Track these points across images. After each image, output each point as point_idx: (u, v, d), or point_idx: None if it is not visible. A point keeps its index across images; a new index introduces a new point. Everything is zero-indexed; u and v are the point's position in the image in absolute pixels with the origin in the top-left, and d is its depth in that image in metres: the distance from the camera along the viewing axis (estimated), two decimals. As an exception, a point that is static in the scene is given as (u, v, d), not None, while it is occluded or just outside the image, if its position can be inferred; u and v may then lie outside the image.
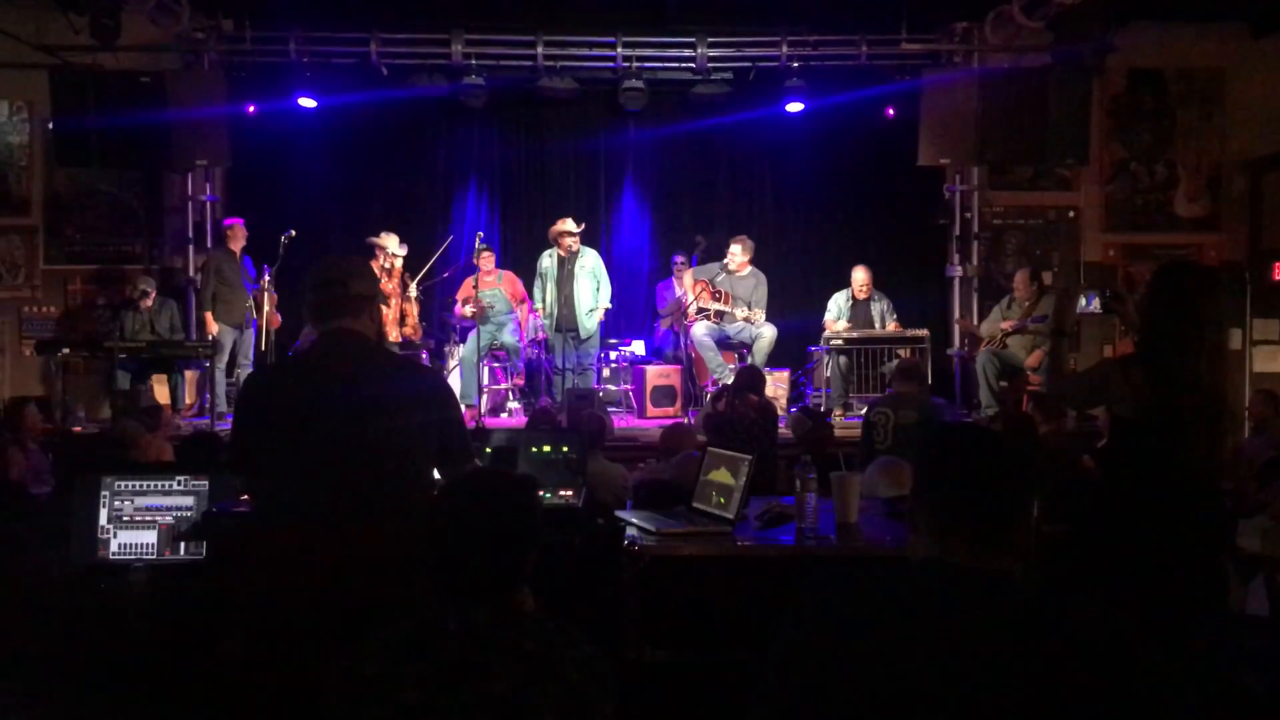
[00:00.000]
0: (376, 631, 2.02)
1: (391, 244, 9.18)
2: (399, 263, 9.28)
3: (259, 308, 9.02)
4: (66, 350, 8.65)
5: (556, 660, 1.95)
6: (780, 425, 8.02)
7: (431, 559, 2.10)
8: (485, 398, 8.81)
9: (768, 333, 8.99)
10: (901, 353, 8.96)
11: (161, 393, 9.10)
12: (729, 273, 9.21)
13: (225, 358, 9.14)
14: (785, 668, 1.70)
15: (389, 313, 9.04)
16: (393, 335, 9.00)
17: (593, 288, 9.33)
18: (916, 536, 1.78)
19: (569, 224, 9.36)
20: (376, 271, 9.00)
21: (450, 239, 10.01)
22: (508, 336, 9.32)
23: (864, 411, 6.87)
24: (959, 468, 1.76)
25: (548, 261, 9.43)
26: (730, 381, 8.67)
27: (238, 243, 9.34)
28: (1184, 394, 3.39)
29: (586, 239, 9.60)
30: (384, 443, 2.78)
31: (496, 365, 9.45)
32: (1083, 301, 3.91)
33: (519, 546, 2.13)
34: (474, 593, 2.04)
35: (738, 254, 9.20)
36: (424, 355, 9.42)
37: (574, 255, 9.32)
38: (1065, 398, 4.02)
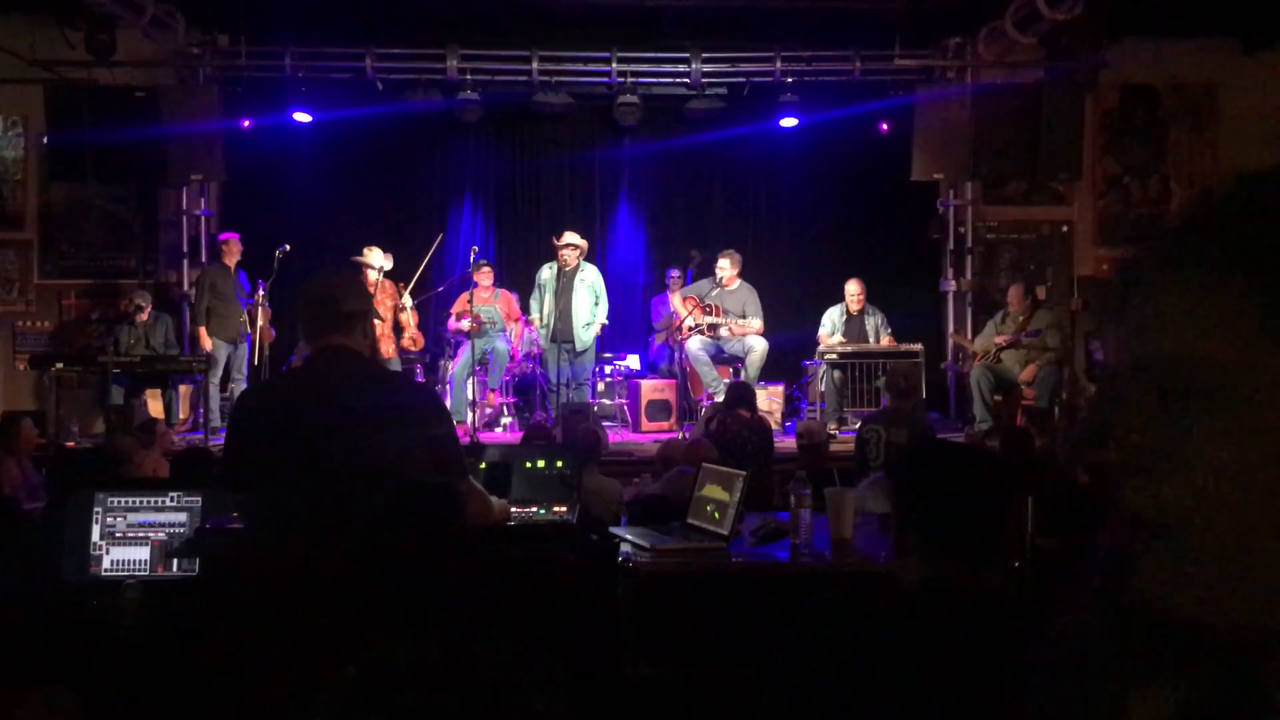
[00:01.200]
0: (323, 678, 1.89)
1: (375, 257, 9.11)
2: (373, 274, 9.10)
3: (253, 322, 9.01)
4: (60, 365, 8.63)
5: (517, 687, 1.86)
6: (784, 436, 8.02)
7: (368, 594, 1.99)
8: (478, 413, 8.79)
9: (759, 346, 8.99)
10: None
11: (155, 407, 9.08)
12: (720, 287, 9.23)
13: (219, 372, 9.12)
14: (787, 693, 1.69)
15: (382, 326, 9.00)
16: (388, 349, 8.96)
17: (590, 302, 9.31)
18: (905, 558, 1.77)
19: (567, 237, 9.36)
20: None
21: (440, 238, 9.94)
22: (499, 343, 9.29)
23: (857, 427, 6.87)
24: (944, 488, 1.76)
25: (547, 273, 9.42)
26: (724, 397, 8.69)
27: (232, 257, 9.33)
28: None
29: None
30: (377, 458, 2.79)
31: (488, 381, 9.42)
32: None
33: (451, 566, 1.99)
34: (416, 627, 1.91)
35: (726, 268, 9.22)
36: (418, 369, 9.41)
37: (574, 268, 9.32)
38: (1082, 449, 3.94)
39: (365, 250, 9.14)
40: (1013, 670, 1.56)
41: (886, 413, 6.45)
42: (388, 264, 9.19)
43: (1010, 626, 1.64)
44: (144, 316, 9.20)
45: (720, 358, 9.19)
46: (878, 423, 6.23)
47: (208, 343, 9.05)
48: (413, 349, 9.35)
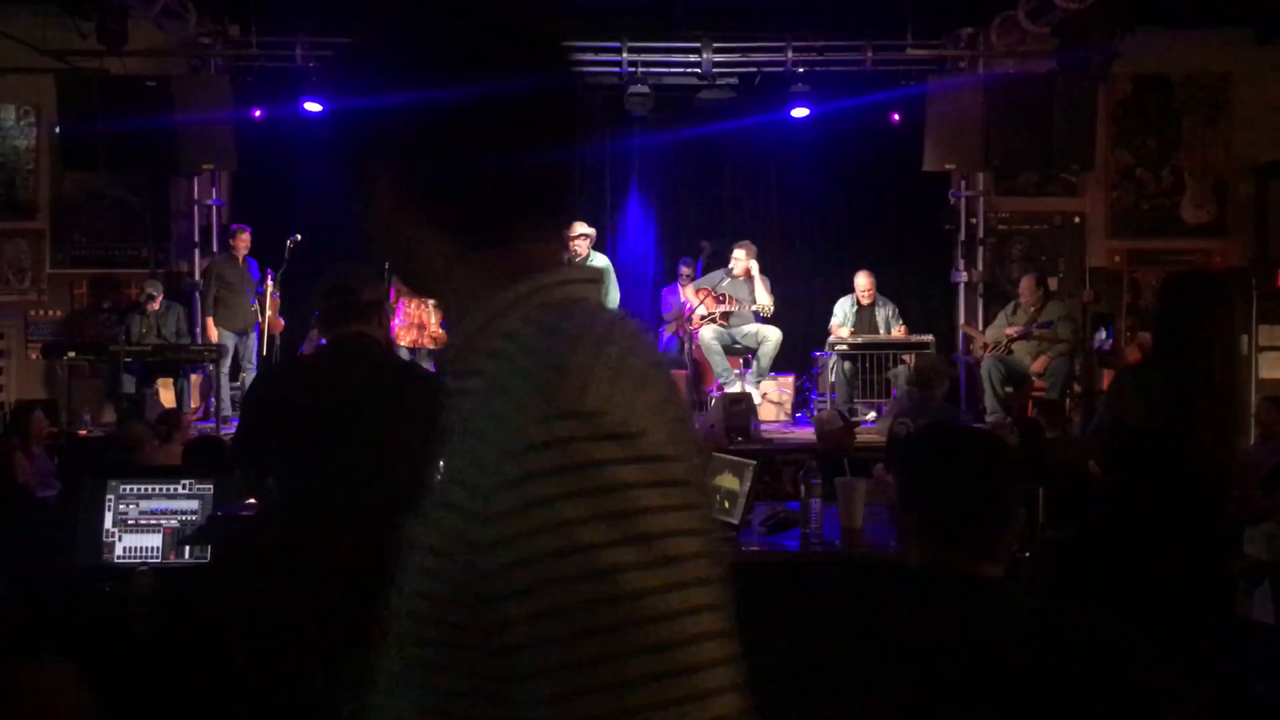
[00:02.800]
0: (350, 658, 1.91)
1: None
2: None
3: (263, 312, 9.02)
4: (72, 354, 8.66)
5: None
6: (792, 427, 8.02)
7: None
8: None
9: (773, 336, 8.97)
10: (906, 358, 8.94)
11: (167, 397, 9.11)
12: (733, 277, 9.20)
13: (228, 362, 9.14)
14: (783, 677, 1.69)
15: (412, 316, 9.02)
16: (407, 339, 8.93)
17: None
18: (908, 545, 1.76)
19: (577, 227, 9.34)
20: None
21: None
22: None
23: (884, 424, 6.82)
24: (942, 474, 1.73)
25: (559, 262, 9.39)
26: (735, 388, 8.67)
27: (241, 249, 9.35)
28: (1196, 399, 3.39)
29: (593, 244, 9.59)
30: (393, 446, 2.82)
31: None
32: (1103, 334, 3.93)
33: None
34: None
35: (741, 258, 9.17)
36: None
37: (584, 258, 9.29)
38: (1104, 438, 3.91)
39: None
40: (1005, 658, 1.56)
41: (914, 406, 6.42)
42: None
43: (1004, 616, 1.62)
44: (155, 306, 9.23)
45: (733, 348, 9.17)
46: (907, 415, 6.19)
47: (214, 333, 9.07)
48: (432, 346, 9.25)
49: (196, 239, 10.18)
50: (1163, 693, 1.55)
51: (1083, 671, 1.54)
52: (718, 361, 9.01)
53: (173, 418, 7.36)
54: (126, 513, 3.68)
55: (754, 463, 3.78)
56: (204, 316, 9.26)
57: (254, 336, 9.28)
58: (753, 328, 9.05)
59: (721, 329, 9.10)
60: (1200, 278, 3.84)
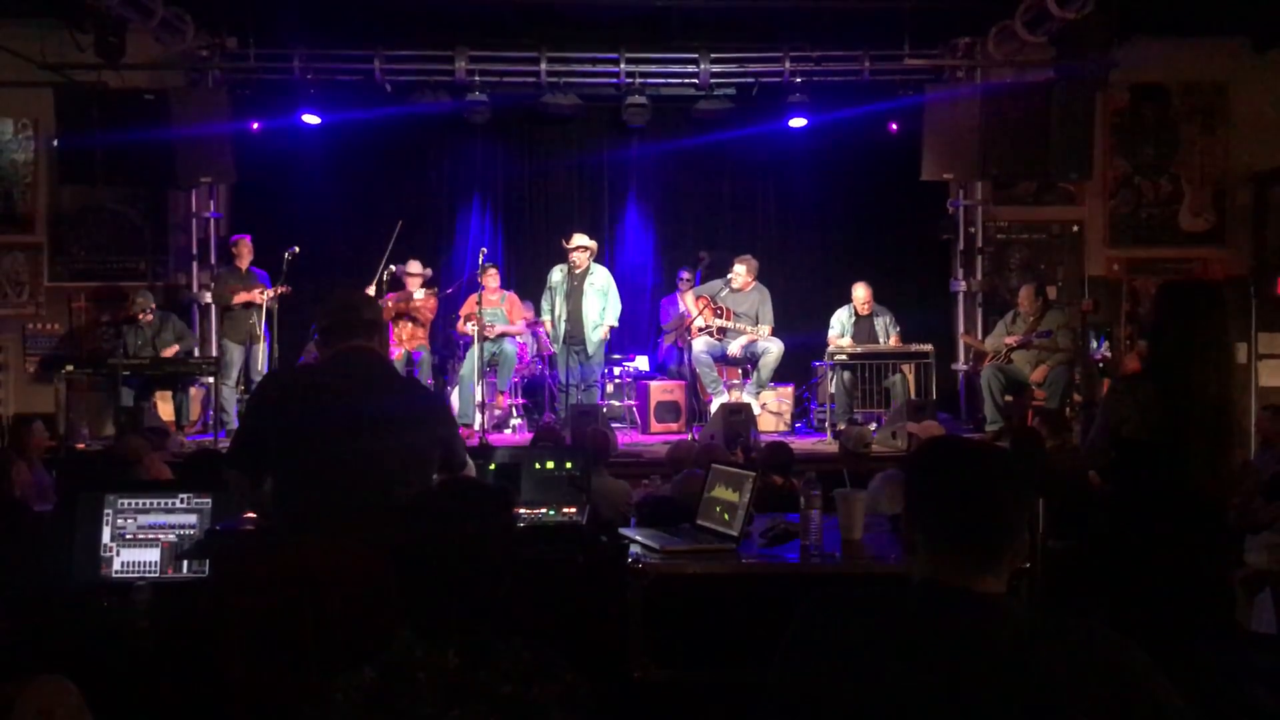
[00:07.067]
0: (339, 680, 1.84)
1: (415, 266, 9.33)
2: (416, 283, 9.37)
3: (272, 323, 9.01)
4: (70, 367, 8.64)
5: (535, 700, 1.80)
6: (792, 438, 7.99)
7: (398, 590, 1.89)
8: (487, 414, 8.78)
9: (774, 348, 8.96)
10: (905, 368, 8.95)
11: (166, 409, 9.09)
12: (732, 290, 9.19)
13: (234, 373, 9.14)
14: (783, 690, 1.68)
15: (398, 331, 9.11)
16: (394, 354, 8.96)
17: (600, 305, 9.27)
18: (912, 556, 1.74)
19: (576, 239, 9.34)
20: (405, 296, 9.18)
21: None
22: (506, 345, 9.29)
23: (884, 434, 6.75)
24: (947, 486, 1.72)
25: (558, 275, 9.40)
26: (726, 399, 8.66)
27: (244, 259, 9.35)
28: (1191, 410, 3.37)
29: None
30: (392, 455, 2.94)
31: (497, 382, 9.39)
32: (1094, 344, 3.92)
33: (488, 570, 1.90)
34: (442, 631, 1.84)
35: (742, 273, 9.16)
36: (414, 373, 9.36)
37: (584, 271, 9.30)
38: (1100, 449, 3.84)
39: (410, 262, 9.45)
40: (1004, 675, 1.55)
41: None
42: (429, 273, 9.43)
43: (1004, 632, 1.60)
44: (148, 317, 9.14)
45: (725, 360, 9.15)
46: None
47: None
48: (412, 347, 9.26)
49: (195, 252, 10.18)
50: (1162, 704, 1.54)
51: (1081, 685, 1.53)
52: (706, 373, 9.01)
53: (161, 431, 7.37)
54: (125, 527, 3.67)
55: (753, 474, 3.77)
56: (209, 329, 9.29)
57: (263, 345, 9.20)
58: (751, 340, 9.05)
59: (716, 342, 9.09)
60: (1193, 285, 3.83)
